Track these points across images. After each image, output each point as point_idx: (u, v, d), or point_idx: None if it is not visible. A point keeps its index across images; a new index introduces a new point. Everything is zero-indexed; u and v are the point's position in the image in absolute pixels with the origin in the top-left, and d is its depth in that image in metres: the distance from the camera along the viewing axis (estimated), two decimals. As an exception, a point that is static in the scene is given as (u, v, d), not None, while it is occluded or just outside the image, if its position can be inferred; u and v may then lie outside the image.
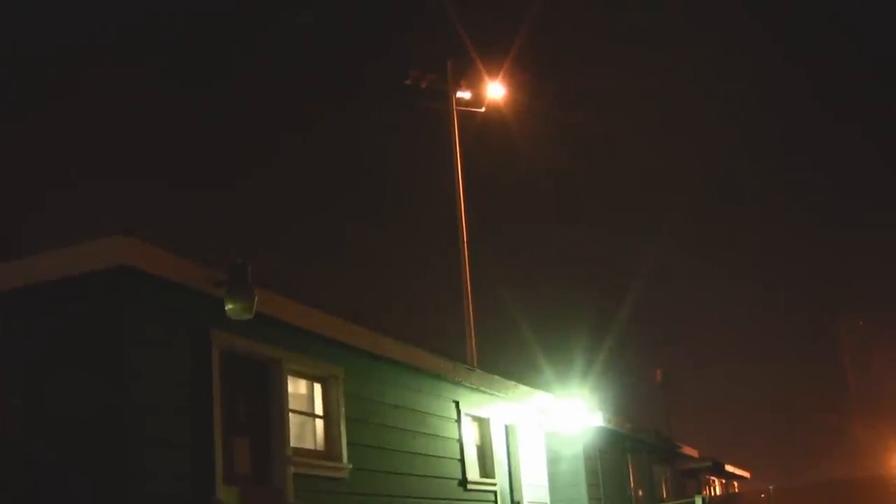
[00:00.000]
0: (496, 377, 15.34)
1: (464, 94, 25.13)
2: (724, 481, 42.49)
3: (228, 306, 8.74)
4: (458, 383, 14.05)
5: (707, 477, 37.44)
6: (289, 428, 10.01)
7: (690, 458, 33.01)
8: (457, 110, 24.86)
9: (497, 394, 15.39)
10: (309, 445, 10.72)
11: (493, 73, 25.51)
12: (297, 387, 10.74)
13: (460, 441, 13.83)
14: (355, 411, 11.26)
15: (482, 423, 15.07)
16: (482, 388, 14.84)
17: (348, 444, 10.96)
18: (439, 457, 13.17)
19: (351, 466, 10.89)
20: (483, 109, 25.47)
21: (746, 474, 45.75)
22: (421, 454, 12.66)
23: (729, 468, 39.06)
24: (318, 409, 11.02)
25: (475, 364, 20.03)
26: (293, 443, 10.09)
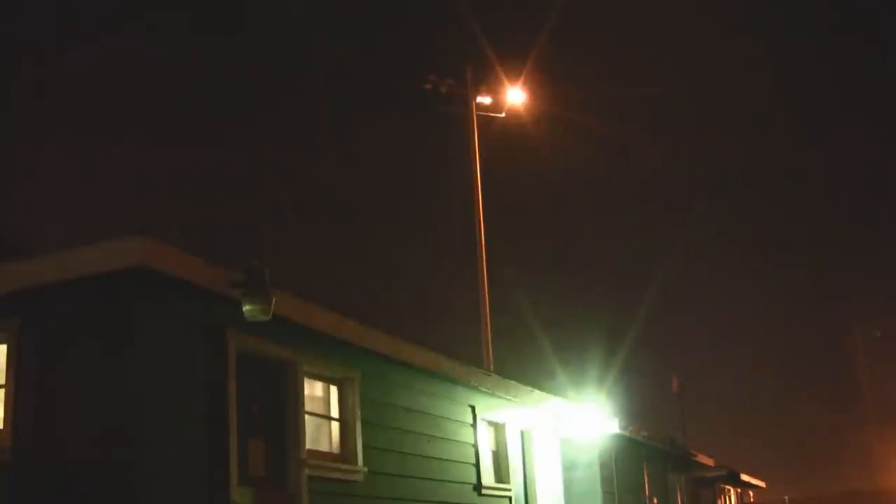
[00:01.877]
0: (512, 382, 15.29)
1: (484, 100, 25.10)
2: (739, 491, 42.28)
3: (246, 307, 8.72)
4: (473, 388, 14.00)
5: (722, 486, 37.26)
6: (304, 430, 9.98)
7: (706, 466, 32.84)
8: (476, 115, 24.84)
9: (513, 399, 15.34)
10: (324, 448, 10.69)
11: (513, 78, 25.48)
12: (312, 389, 10.71)
13: (475, 446, 13.79)
14: (371, 414, 11.23)
15: (498, 428, 15.02)
16: (498, 393, 14.79)
17: (363, 447, 10.93)
18: (454, 461, 13.12)
19: (366, 470, 10.86)
20: (503, 115, 25.43)
21: (762, 484, 45.51)
22: (436, 458, 12.62)
23: (744, 477, 38.85)
24: (334, 412, 10.99)
25: (491, 368, 19.99)
26: (308, 445, 10.07)
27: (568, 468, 18.36)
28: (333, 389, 11.04)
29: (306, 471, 9.81)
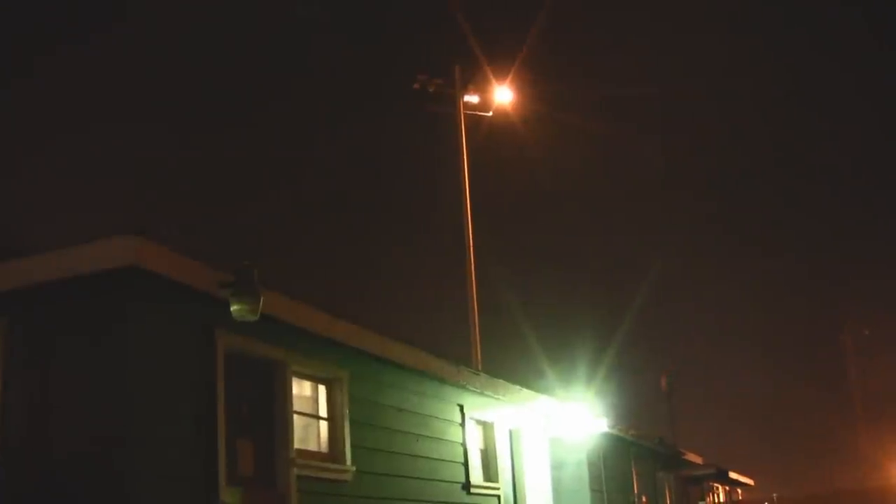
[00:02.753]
0: (500, 381, 15.33)
1: (471, 99, 25.14)
2: (727, 488, 42.43)
3: (234, 307, 8.74)
4: (462, 387, 14.04)
5: (711, 484, 37.38)
6: (293, 430, 10.01)
7: (695, 464, 32.95)
8: (464, 114, 24.87)
9: (501, 398, 15.37)
10: (313, 447, 10.71)
11: (502, 77, 25.52)
12: (301, 389, 10.73)
13: (464, 445, 13.82)
14: (359, 414, 11.25)
15: (486, 427, 15.05)
16: (486, 392, 14.83)
17: (352, 446, 10.96)
18: (443, 460, 13.15)
19: (354, 469, 10.89)
20: (490, 113, 25.47)
21: (750, 482, 45.67)
22: (424, 457, 12.65)
23: (733, 475, 38.99)
24: (323, 412, 11.01)
25: (479, 367, 20.03)
26: (297, 445, 10.09)
27: (557, 467, 18.41)
28: (322, 389, 11.07)
29: (295, 470, 9.84)
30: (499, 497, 14.73)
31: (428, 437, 12.84)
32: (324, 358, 10.81)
